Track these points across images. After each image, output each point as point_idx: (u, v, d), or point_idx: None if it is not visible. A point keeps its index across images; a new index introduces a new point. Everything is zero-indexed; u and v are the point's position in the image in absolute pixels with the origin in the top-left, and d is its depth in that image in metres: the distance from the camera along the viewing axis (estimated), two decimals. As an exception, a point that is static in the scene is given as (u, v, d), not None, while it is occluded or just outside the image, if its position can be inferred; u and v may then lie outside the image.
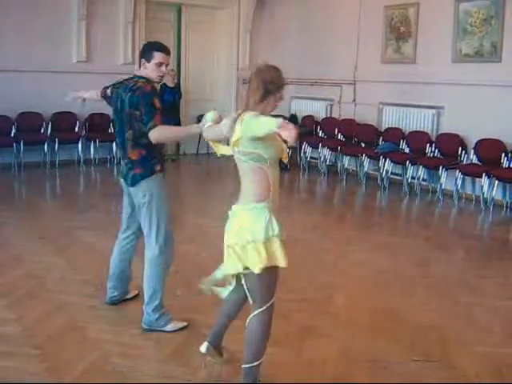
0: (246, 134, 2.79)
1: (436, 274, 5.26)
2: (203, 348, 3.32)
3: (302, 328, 3.95)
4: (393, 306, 4.39)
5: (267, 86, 2.90)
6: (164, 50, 3.85)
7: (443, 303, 4.52)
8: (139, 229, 3.94)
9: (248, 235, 2.85)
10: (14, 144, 9.21)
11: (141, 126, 3.60)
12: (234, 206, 2.97)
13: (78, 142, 9.76)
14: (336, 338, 3.83)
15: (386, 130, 9.19)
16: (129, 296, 4.30)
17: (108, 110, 4.30)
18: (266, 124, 2.68)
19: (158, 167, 3.76)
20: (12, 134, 9.33)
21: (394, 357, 3.58)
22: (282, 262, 2.91)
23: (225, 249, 2.97)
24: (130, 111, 3.65)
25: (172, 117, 9.62)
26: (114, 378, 3.25)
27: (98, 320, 4.00)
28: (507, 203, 7.60)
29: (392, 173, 8.79)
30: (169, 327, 3.82)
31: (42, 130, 9.64)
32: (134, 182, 3.74)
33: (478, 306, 4.47)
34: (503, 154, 7.59)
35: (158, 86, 4.35)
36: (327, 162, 9.82)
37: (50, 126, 9.66)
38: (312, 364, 3.48)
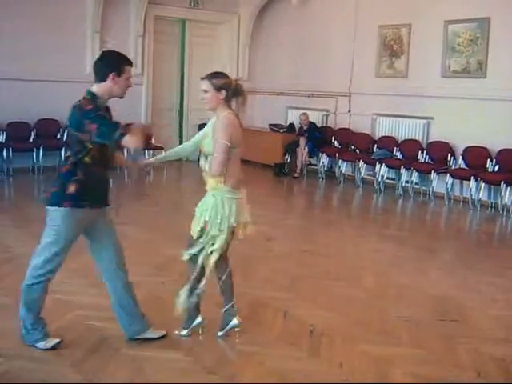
0: None
1: (440, 258, 6.20)
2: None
3: (341, 297, 4.74)
4: (411, 282, 5.22)
5: None
6: (131, 63, 3.55)
7: (452, 280, 5.38)
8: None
9: None
10: (34, 149, 9.80)
11: None
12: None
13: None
14: (371, 305, 4.62)
15: (380, 138, 10.06)
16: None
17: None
18: None
19: None
20: (31, 140, 9.95)
21: (422, 317, 4.39)
22: None
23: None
24: None
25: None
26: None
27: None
28: (492, 203, 8.50)
29: (387, 177, 9.63)
30: (40, 344, 3.56)
31: (59, 136, 10.22)
32: None
33: (481, 282, 5.32)
34: (488, 160, 8.53)
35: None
36: (325, 168, 10.63)
37: (66, 132, 10.21)
38: (357, 323, 4.26)
